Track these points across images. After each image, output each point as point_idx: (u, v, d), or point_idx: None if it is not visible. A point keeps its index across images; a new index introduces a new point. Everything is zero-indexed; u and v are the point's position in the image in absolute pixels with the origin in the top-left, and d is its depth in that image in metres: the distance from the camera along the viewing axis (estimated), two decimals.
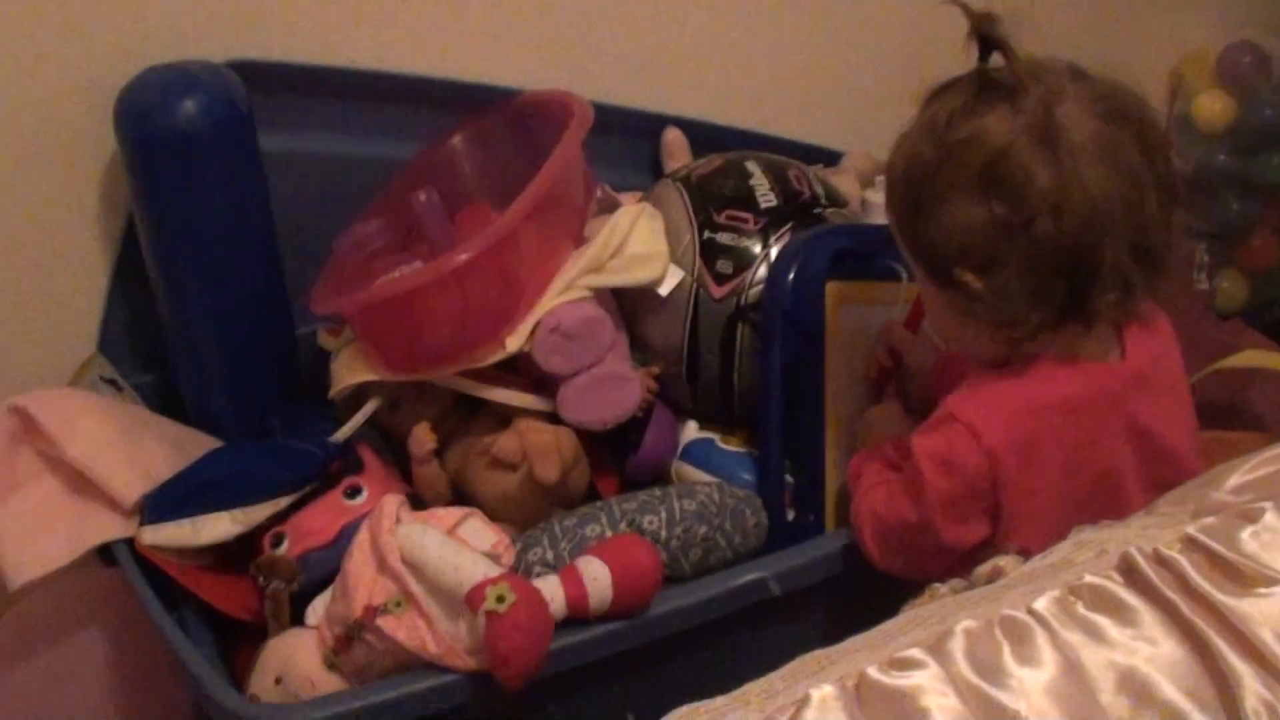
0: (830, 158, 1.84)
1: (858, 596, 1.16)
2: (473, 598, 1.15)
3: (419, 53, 1.62)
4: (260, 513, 1.35)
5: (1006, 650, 0.77)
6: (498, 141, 1.62)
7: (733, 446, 1.48)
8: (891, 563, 1.26)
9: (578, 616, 1.21)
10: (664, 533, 1.31)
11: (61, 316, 1.58)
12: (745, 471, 1.45)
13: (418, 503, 1.36)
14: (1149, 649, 0.78)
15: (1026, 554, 0.94)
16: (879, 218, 1.41)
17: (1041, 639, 0.77)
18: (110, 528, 1.35)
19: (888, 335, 1.42)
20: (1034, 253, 1.12)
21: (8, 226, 1.52)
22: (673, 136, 1.75)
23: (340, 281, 1.46)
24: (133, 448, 1.38)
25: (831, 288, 1.40)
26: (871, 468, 1.31)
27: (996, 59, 1.15)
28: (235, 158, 1.42)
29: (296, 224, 1.52)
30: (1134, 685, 0.77)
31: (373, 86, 1.60)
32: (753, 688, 0.78)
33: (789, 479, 1.42)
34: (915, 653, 0.77)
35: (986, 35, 1.14)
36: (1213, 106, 2.10)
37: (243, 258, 1.46)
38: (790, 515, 1.42)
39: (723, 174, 1.52)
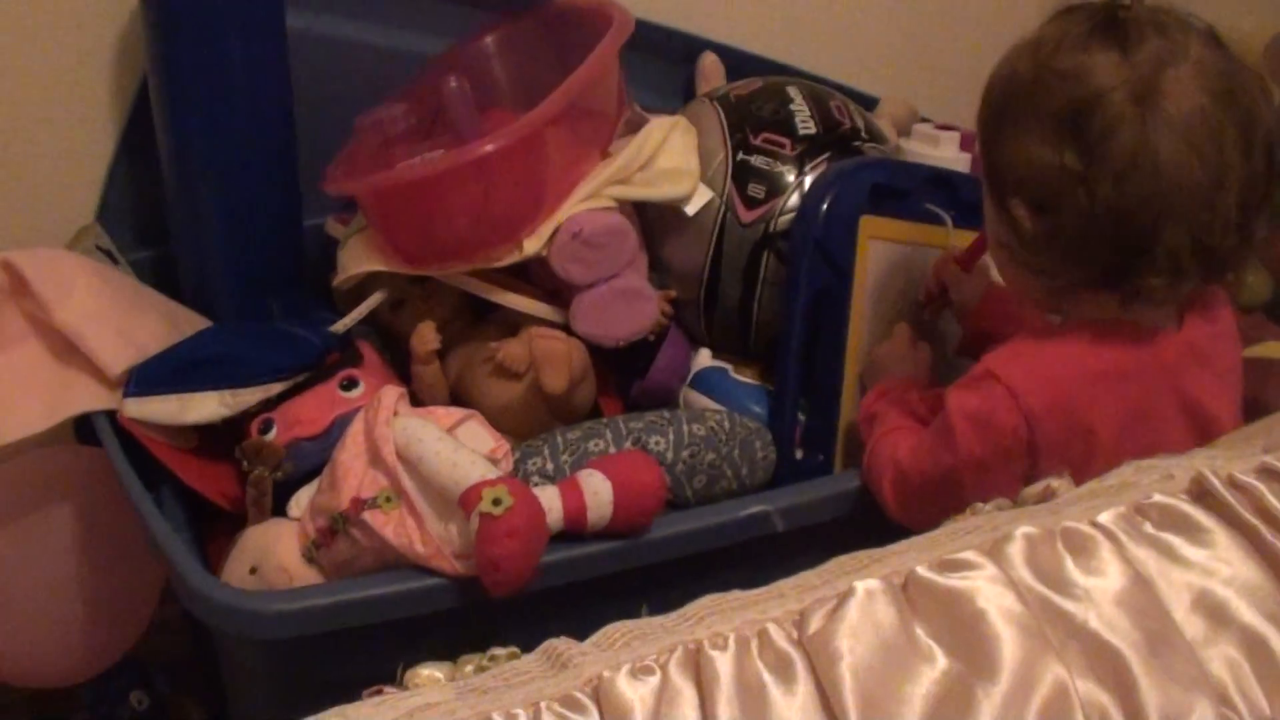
0: (867, 103, 1.78)
1: (863, 541, 1.11)
2: (468, 498, 1.10)
3: None
4: (250, 396, 1.31)
5: (1069, 561, 0.72)
6: (531, 46, 1.56)
7: (746, 378, 1.43)
8: (909, 514, 1.20)
9: (574, 530, 1.16)
10: (670, 454, 1.26)
11: (63, 181, 1.54)
12: (756, 404, 1.40)
13: (416, 403, 1.30)
14: (1226, 570, 0.75)
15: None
16: None
17: (1107, 551, 0.73)
18: (93, 398, 1.30)
19: (938, 266, 1.37)
20: (1088, 211, 1.07)
21: (16, 84, 1.48)
22: (709, 61, 1.70)
23: (358, 164, 1.40)
24: (124, 319, 1.34)
25: (865, 222, 1.35)
26: (889, 412, 1.26)
27: None
28: (261, 24, 1.37)
29: (314, 110, 1.46)
30: (1210, 606, 0.74)
31: None
32: (785, 584, 0.74)
33: (801, 417, 1.37)
34: (970, 555, 0.72)
35: None
36: None
37: (257, 131, 1.40)
38: (799, 454, 1.37)
39: (762, 96, 1.47)
